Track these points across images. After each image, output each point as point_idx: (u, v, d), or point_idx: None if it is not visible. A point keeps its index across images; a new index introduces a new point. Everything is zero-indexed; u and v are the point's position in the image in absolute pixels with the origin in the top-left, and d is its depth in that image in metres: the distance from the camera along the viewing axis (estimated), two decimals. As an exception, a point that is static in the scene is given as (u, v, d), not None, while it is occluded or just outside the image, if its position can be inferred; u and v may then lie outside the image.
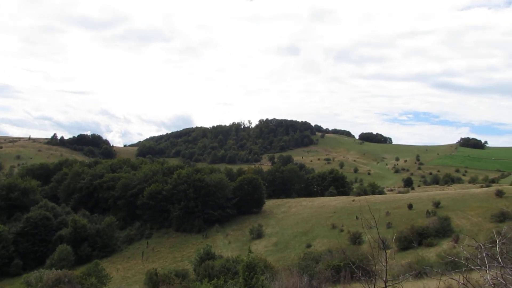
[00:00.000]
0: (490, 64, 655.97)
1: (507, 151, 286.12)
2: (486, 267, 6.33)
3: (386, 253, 6.19)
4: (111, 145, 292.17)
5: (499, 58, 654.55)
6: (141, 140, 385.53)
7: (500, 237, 6.71)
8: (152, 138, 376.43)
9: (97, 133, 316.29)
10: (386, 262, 5.99)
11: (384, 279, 5.74)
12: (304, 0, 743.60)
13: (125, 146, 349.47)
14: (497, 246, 6.32)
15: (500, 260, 5.54)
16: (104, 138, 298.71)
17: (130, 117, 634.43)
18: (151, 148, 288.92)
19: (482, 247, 6.31)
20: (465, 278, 6.56)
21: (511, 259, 5.62)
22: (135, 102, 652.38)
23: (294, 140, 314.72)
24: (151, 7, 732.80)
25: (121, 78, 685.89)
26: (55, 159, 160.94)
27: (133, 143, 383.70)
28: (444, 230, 48.01)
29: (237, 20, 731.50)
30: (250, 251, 13.07)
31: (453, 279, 5.93)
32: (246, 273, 11.37)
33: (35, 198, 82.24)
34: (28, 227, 67.91)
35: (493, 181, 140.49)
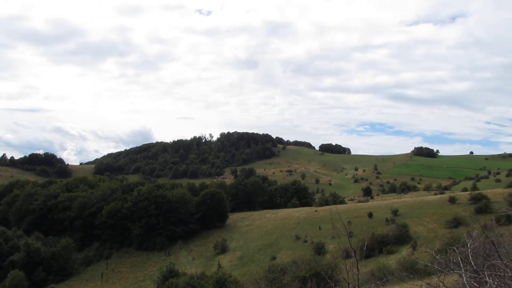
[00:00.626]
0: (438, 77, 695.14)
1: (457, 159, 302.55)
2: (444, 272, 6.67)
3: (357, 261, 6.38)
4: (66, 163, 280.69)
5: (446, 71, 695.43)
6: (98, 158, 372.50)
7: (460, 243, 7.12)
8: (110, 155, 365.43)
9: (50, 151, 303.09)
10: (358, 270, 6.17)
11: (357, 287, 5.91)
12: (259, 14, 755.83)
13: (81, 164, 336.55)
14: (456, 251, 6.69)
15: (461, 264, 5.87)
16: (58, 157, 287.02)
17: (86, 134, 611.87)
18: (109, 165, 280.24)
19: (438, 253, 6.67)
20: (426, 283, 6.87)
21: (469, 263, 5.96)
22: (90, 118, 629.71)
23: (256, 153, 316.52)
24: (105, 20, 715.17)
25: (74, 94, 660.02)
26: (4, 181, 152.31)
27: (90, 160, 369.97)
28: (402, 237, 49.73)
29: (194, 34, 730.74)
30: (220, 266, 12.93)
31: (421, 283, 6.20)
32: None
33: (-18, 222, 77.05)
34: (-25, 253, 63.39)
35: (446, 188, 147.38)
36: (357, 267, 6.57)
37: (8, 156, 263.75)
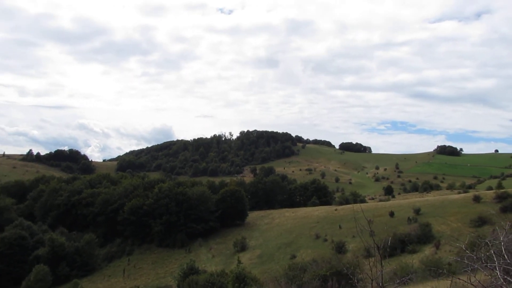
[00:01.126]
0: (462, 74, 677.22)
1: (481, 158, 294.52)
2: (475, 267, 6.35)
3: (381, 258, 6.13)
4: (90, 160, 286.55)
5: (471, 69, 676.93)
6: (121, 155, 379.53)
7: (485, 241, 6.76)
8: (132, 152, 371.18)
9: (75, 148, 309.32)
10: (382, 267, 5.93)
11: (380, 284, 5.67)
12: (280, 12, 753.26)
13: (104, 161, 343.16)
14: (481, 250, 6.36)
15: (494, 258, 5.56)
16: (82, 153, 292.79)
17: (109, 132, 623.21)
18: (131, 162, 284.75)
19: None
20: (457, 279, 6.57)
21: (503, 256, 5.65)
22: (113, 116, 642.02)
23: (276, 152, 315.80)
24: (129, 20, 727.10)
25: (98, 92, 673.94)
26: (31, 176, 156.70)
27: (112, 157, 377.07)
28: (425, 236, 48.66)
29: (216, 33, 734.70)
30: (239, 262, 12.79)
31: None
32: (236, 284, 11.10)
33: (9, 217, 79.49)
34: (2, 247, 65.35)
35: (470, 187, 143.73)
36: (380, 263, 6.32)
37: (35, 152, 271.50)
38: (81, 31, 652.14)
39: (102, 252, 74.99)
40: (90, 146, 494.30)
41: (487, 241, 6.39)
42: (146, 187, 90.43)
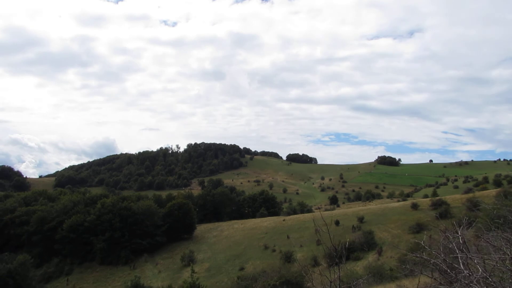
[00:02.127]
0: (398, 89, 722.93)
1: (418, 168, 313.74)
2: (417, 272, 6.68)
3: (339, 263, 6.29)
4: (24, 176, 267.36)
5: (405, 83, 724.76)
6: (59, 170, 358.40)
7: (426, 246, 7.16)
8: (71, 167, 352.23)
9: (7, 164, 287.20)
10: (340, 271, 6.06)
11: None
12: (225, 26, 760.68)
13: (40, 177, 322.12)
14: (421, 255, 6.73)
15: (432, 262, 5.88)
16: (15, 170, 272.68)
17: (45, 146, 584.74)
18: (71, 178, 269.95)
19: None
20: (397, 286, 6.87)
21: (443, 261, 5.98)
22: (50, 130, 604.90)
23: (224, 164, 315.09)
24: (66, 30, 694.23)
25: (33, 105, 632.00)
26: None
27: (50, 173, 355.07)
28: (368, 244, 50.56)
29: (159, 45, 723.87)
30: (193, 271, 12.45)
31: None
32: None
33: None
34: None
35: (408, 195, 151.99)
36: (338, 268, 6.48)
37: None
38: (13, 41, 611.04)
39: (38, 273, 69.70)
40: (24, 162, 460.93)
41: (425, 246, 6.76)
42: (88, 203, 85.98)
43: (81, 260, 74.01)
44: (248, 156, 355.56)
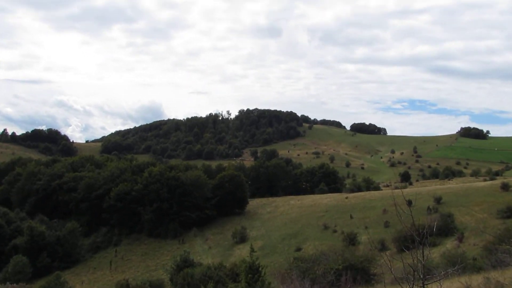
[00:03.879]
0: (489, 46, 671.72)
1: (511, 141, 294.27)
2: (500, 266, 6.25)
3: (423, 248, 6.06)
4: (71, 141, 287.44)
5: (498, 40, 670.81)
6: (106, 135, 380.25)
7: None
8: (118, 133, 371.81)
9: (53, 127, 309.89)
10: (423, 258, 5.82)
11: (421, 276, 5.57)
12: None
13: (87, 142, 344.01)
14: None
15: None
16: (62, 133, 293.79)
17: (91, 109, 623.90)
18: (118, 144, 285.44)
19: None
20: (485, 278, 6.48)
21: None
22: (95, 91, 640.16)
23: (279, 133, 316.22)
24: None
25: (79, 64, 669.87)
26: (6, 158, 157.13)
27: (96, 138, 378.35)
28: (447, 228, 48.91)
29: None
30: (252, 250, 12.69)
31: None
32: (250, 275, 11.05)
33: (-17, 203, 80.00)
34: (-24, 236, 66.03)
35: (497, 173, 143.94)
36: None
37: (9, 132, 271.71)
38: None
39: (87, 242, 75.69)
40: (70, 125, 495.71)
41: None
42: (135, 171, 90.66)
43: (129, 231, 78.94)
44: (306, 125, 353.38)
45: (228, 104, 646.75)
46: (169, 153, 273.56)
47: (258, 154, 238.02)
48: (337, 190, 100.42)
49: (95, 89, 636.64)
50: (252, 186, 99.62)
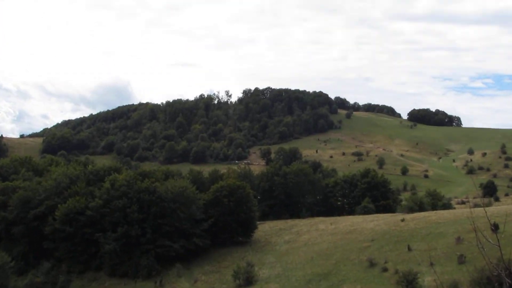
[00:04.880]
0: None
1: None
2: None
3: None
4: (0, 135, 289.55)
5: None
6: (49, 127, 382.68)
7: None
8: (66, 123, 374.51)
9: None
10: None
11: None
12: None
13: (22, 136, 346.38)
14: None
15: None
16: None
17: (28, 90, 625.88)
18: (66, 140, 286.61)
19: None
20: None
21: None
22: (35, 65, 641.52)
23: (303, 123, 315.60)
24: None
25: (10, 30, 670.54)
26: None
27: (35, 131, 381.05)
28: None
29: None
30: None
31: None
32: None
33: None
34: None
35: None
36: None
37: None
38: None
39: (21, 283, 76.10)
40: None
41: None
42: (91, 181, 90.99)
43: (82, 268, 79.23)
44: (343, 112, 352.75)
45: (228, 81, 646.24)
46: (140, 154, 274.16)
47: (272, 156, 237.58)
48: (389, 209, 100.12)
49: (34, 62, 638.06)
50: (262, 203, 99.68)
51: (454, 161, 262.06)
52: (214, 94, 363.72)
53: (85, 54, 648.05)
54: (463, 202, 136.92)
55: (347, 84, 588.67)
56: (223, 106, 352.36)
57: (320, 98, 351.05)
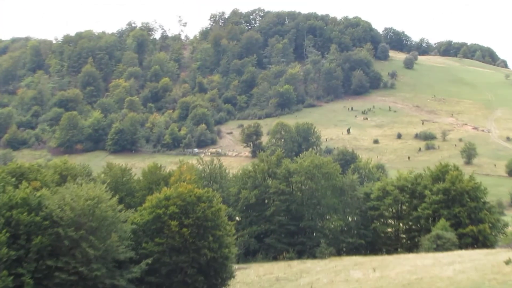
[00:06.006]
0: None
1: None
2: None
3: None
4: None
5: None
6: None
7: None
8: None
9: None
10: None
11: None
12: None
13: None
14: None
15: None
16: None
17: None
18: None
19: None
20: None
21: None
22: None
23: (323, 77, 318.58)
24: None
25: None
26: None
27: None
28: None
29: None
30: None
31: None
32: None
33: None
34: None
35: None
36: None
37: None
38: None
39: None
40: None
41: None
42: None
43: None
44: (398, 57, 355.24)
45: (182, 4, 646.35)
46: (14, 134, 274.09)
47: (264, 139, 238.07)
48: (483, 241, 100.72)
49: None
50: (245, 230, 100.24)
51: None
52: (153, 24, 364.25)
53: None
54: None
55: (407, 9, 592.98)
56: (172, 44, 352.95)
57: (356, 31, 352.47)
